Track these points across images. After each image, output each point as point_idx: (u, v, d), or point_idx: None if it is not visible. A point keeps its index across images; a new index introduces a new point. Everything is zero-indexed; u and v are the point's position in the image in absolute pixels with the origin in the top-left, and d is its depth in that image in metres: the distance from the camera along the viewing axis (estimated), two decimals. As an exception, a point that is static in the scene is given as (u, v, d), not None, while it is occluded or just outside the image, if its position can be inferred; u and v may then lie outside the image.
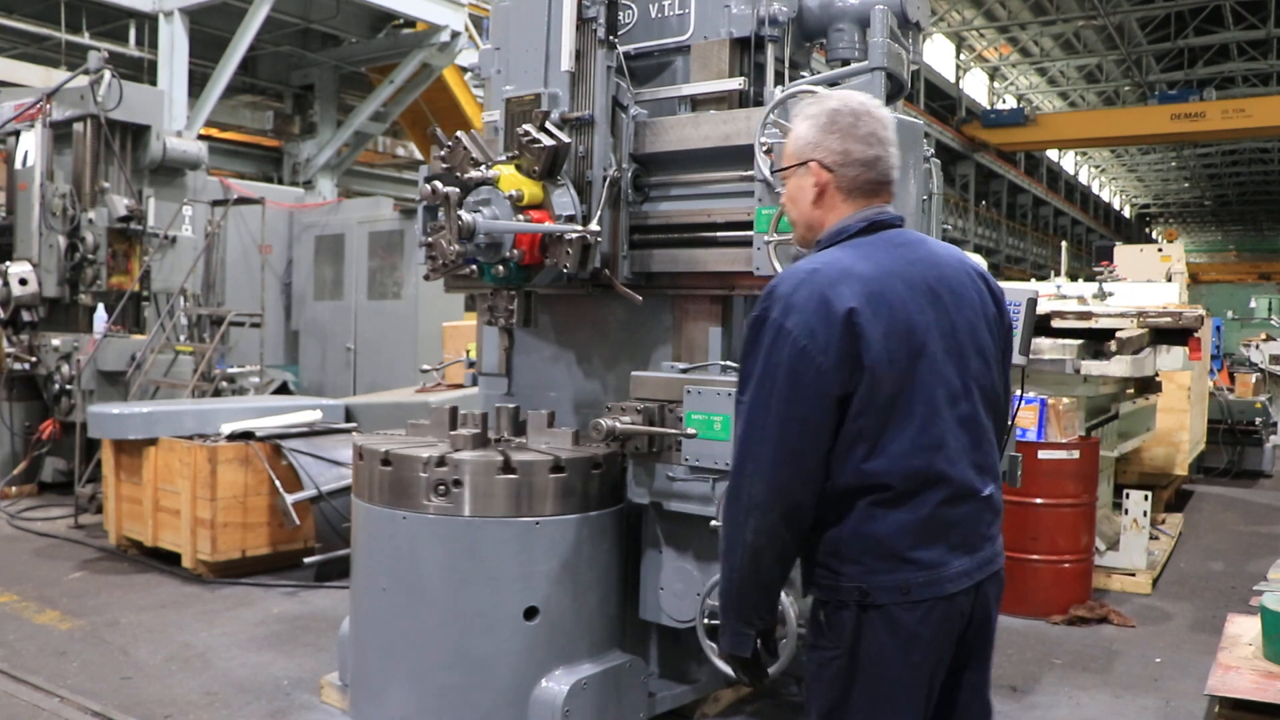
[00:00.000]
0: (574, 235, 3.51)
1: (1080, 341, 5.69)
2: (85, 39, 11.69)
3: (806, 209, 2.17)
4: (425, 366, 6.98)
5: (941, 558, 2.02)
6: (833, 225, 2.14)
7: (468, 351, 6.53)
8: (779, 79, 3.82)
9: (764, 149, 3.43)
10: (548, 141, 3.51)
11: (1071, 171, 45.27)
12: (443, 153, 3.65)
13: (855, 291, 1.97)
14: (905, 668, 2.02)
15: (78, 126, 8.26)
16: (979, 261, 2.37)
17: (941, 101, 31.52)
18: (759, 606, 2.09)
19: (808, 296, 1.97)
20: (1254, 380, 12.05)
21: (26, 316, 8.19)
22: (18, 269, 8.12)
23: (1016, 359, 3.03)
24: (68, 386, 7.84)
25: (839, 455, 2.00)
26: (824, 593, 2.07)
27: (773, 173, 2.23)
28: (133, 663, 4.57)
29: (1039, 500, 5.53)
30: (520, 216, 3.49)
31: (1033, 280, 17.38)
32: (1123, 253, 13.33)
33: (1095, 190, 48.90)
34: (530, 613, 3.43)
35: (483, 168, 3.53)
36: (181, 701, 4.15)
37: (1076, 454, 5.61)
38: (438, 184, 3.49)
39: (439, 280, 3.91)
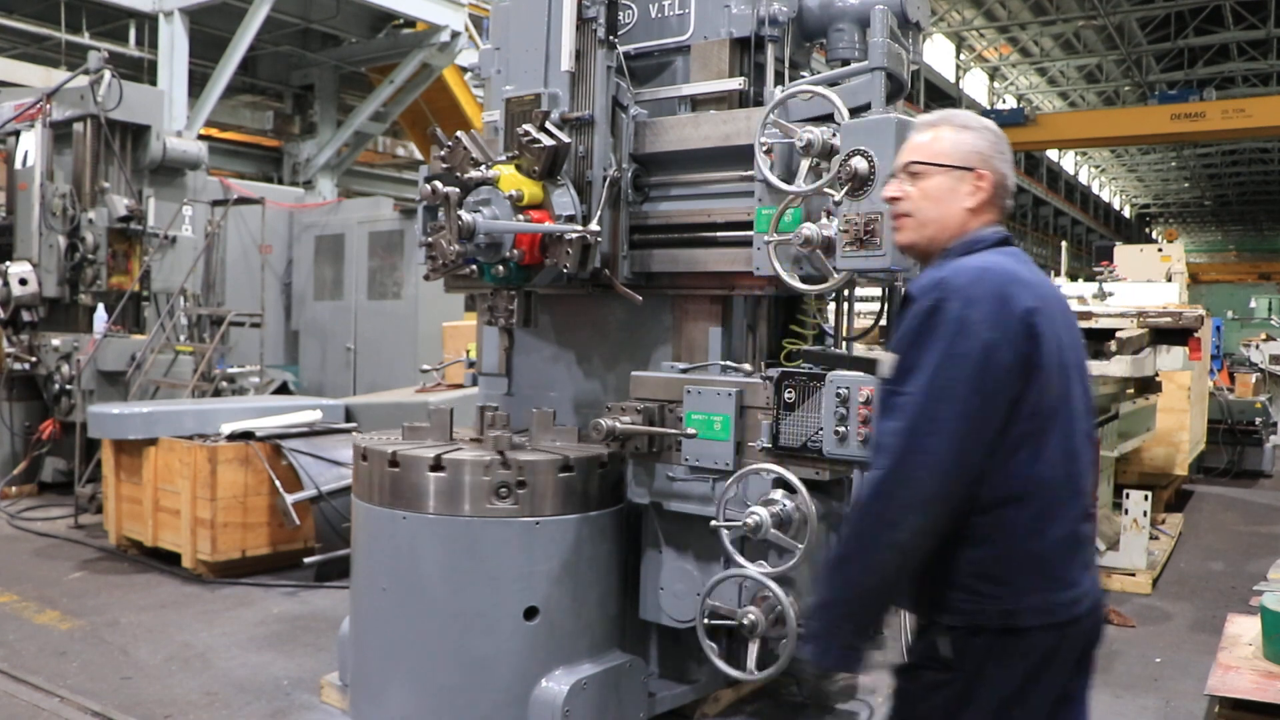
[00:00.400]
0: (574, 235, 3.51)
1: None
2: (85, 39, 11.69)
3: (955, 212, 2.14)
4: (425, 366, 6.98)
5: (1078, 576, 2.00)
6: (968, 235, 2.13)
7: (468, 351, 6.53)
8: (779, 79, 3.82)
9: (764, 149, 3.43)
10: (548, 141, 3.51)
11: (1071, 171, 45.25)
12: (443, 153, 3.65)
13: (1029, 293, 1.98)
14: (1032, 695, 1.97)
15: (78, 126, 8.26)
16: None
17: (941, 101, 31.49)
18: (879, 616, 2.00)
19: (988, 293, 1.95)
20: (1254, 380, 12.06)
21: (26, 316, 8.19)
22: (18, 269, 8.12)
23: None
24: (68, 386, 7.83)
25: (997, 462, 1.94)
26: (958, 618, 1.98)
27: (907, 166, 2.18)
28: (133, 663, 4.57)
29: (1039, 500, 5.52)
30: (520, 216, 3.49)
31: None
32: (1123, 253, 13.33)
33: (1095, 190, 48.88)
34: (530, 613, 3.43)
35: (483, 168, 3.53)
36: (181, 701, 4.15)
37: (1076, 454, 5.59)
38: (438, 184, 3.49)
39: (439, 280, 3.91)
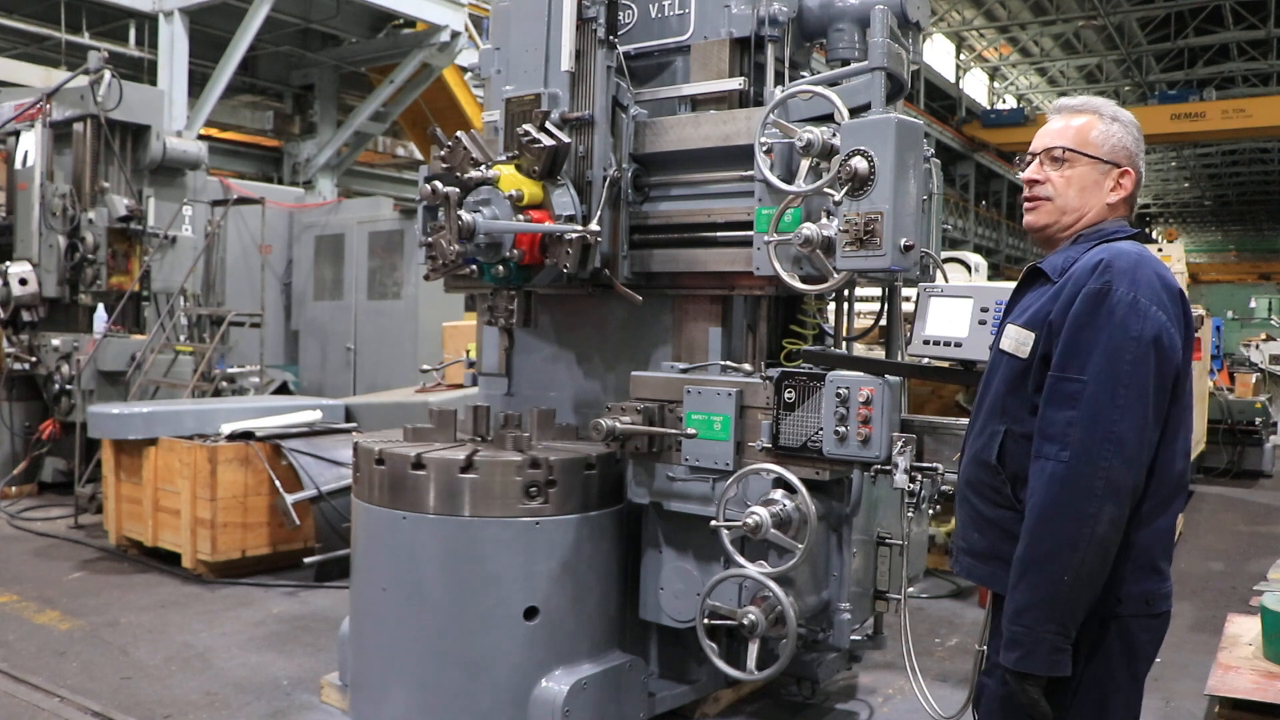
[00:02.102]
0: (574, 235, 3.50)
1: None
2: (85, 39, 11.69)
3: (1098, 204, 2.14)
4: (425, 366, 6.98)
5: (1168, 570, 2.01)
6: (1104, 224, 2.13)
7: (468, 351, 6.52)
8: (779, 79, 3.82)
9: (764, 149, 3.43)
10: (548, 141, 3.51)
11: (1071, 171, 45.20)
12: (443, 153, 3.65)
13: (1173, 279, 1.99)
14: (1129, 685, 1.97)
15: (78, 126, 8.26)
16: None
17: (941, 101, 31.51)
18: (1084, 613, 1.92)
19: (1150, 275, 1.94)
20: (1254, 380, 12.06)
21: (26, 316, 8.19)
22: (18, 269, 8.12)
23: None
24: (68, 386, 7.83)
25: None
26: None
27: (1055, 151, 2.15)
28: (132, 663, 4.57)
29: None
30: (520, 216, 3.49)
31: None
32: (1123, 253, 13.28)
33: (1095, 190, 48.84)
34: (530, 613, 3.43)
35: (483, 168, 3.53)
36: (181, 701, 4.15)
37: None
38: (438, 184, 3.49)
39: (439, 280, 3.91)
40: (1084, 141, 2.13)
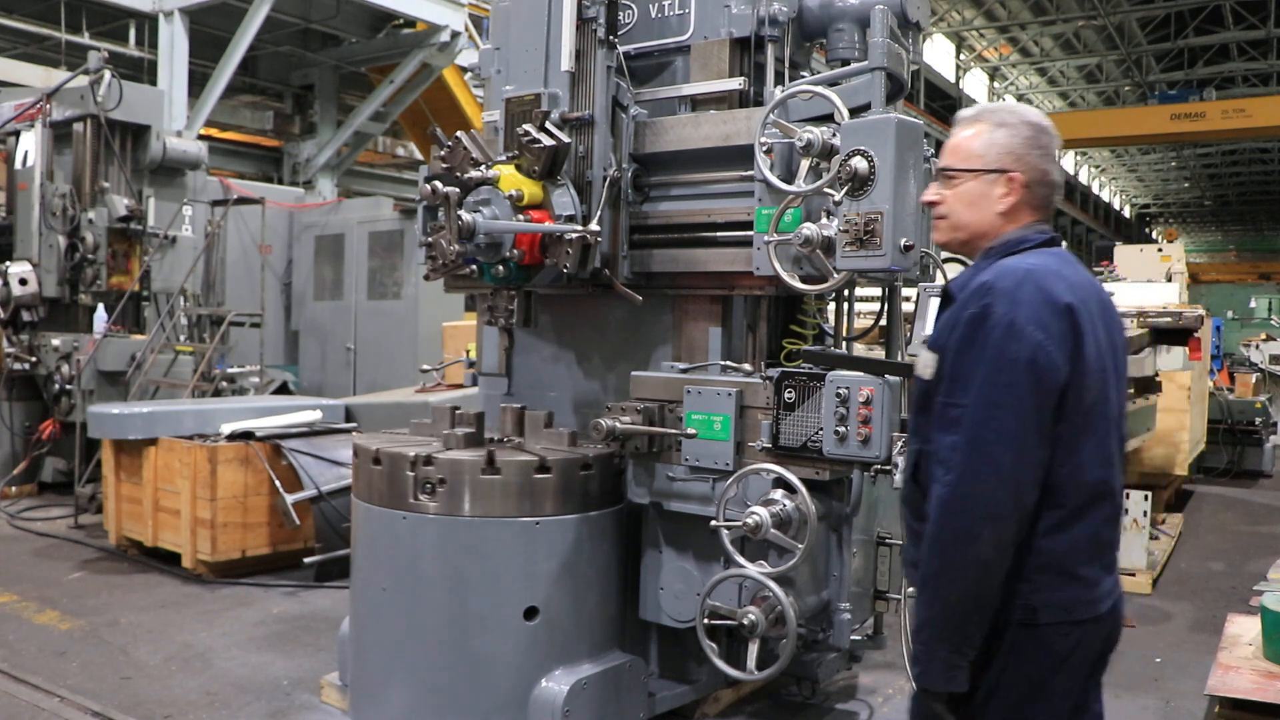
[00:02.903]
0: (574, 235, 3.50)
1: (1080, 341, 5.68)
2: (85, 39, 11.68)
3: (989, 216, 2.13)
4: (425, 366, 6.97)
5: (1098, 576, 2.01)
6: (1008, 235, 2.12)
7: (468, 351, 6.52)
8: (779, 79, 3.82)
9: (764, 149, 3.43)
10: (548, 141, 3.51)
11: (1071, 171, 45.24)
12: (443, 153, 3.65)
13: (1069, 291, 1.97)
14: (1051, 693, 1.98)
15: (78, 126, 8.26)
16: None
17: (941, 101, 31.49)
18: (977, 630, 1.96)
19: (1034, 292, 1.94)
20: (1254, 380, 12.07)
21: (26, 316, 8.19)
22: (18, 269, 8.12)
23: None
24: (68, 386, 7.83)
25: None
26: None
27: (943, 170, 2.15)
28: (132, 663, 4.57)
29: (1039, 500, 5.52)
30: (520, 216, 3.49)
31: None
32: (1123, 253, 13.31)
33: (1095, 190, 48.87)
34: (530, 613, 3.43)
35: (483, 168, 3.53)
36: (181, 701, 4.15)
37: (1076, 454, 5.59)
38: (438, 184, 3.49)
39: (439, 280, 3.91)
40: (967, 155, 2.13)
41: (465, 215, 3.38)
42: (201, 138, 10.72)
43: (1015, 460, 1.89)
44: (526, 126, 3.58)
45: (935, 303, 3.12)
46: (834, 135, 3.26)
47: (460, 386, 6.72)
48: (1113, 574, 2.08)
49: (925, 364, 2.08)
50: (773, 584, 3.15)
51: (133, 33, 12.01)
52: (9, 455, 8.18)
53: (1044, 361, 1.90)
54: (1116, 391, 2.07)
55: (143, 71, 11.63)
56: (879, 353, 4.61)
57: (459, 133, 3.65)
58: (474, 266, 3.55)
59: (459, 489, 3.44)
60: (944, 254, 3.75)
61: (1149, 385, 7.25)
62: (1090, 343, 1.96)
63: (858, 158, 3.07)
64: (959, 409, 1.94)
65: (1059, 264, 2.05)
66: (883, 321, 4.10)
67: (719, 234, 3.69)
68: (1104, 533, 2.02)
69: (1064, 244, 2.19)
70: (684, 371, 3.60)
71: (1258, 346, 14.02)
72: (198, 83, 11.11)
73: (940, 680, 1.97)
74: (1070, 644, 1.97)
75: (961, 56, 32.36)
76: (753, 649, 3.25)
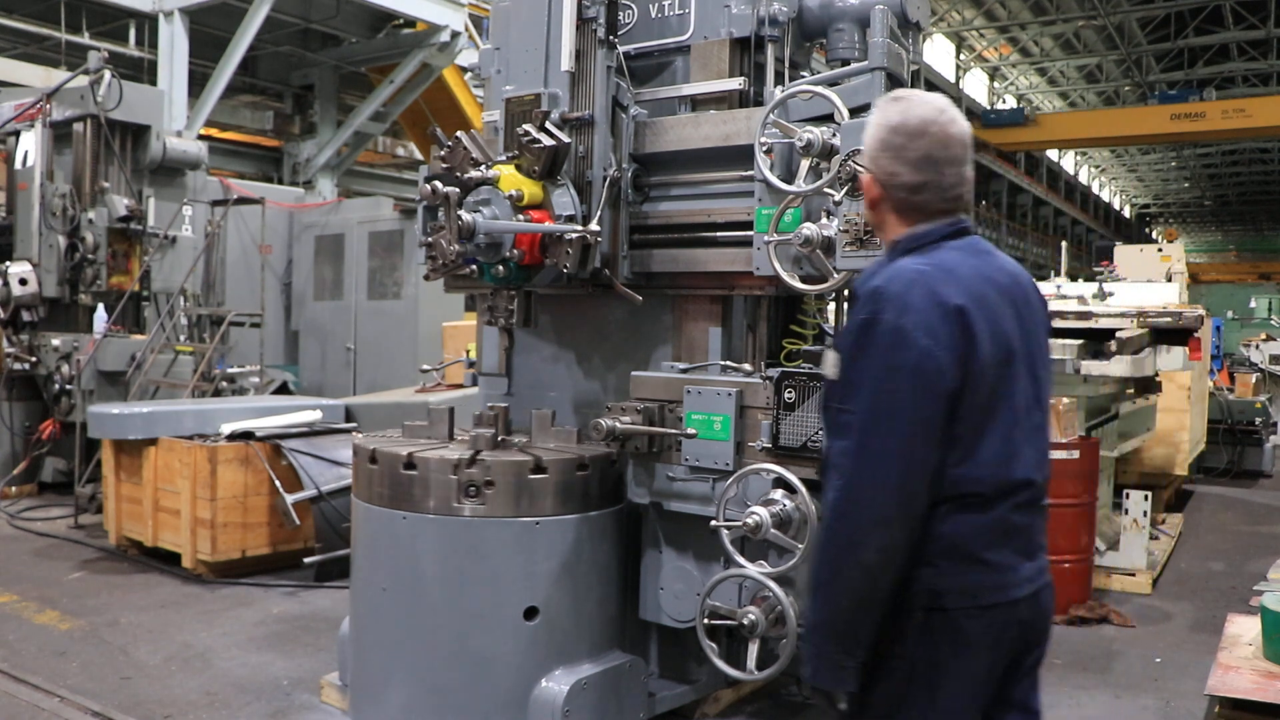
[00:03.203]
0: (574, 235, 3.50)
1: (1080, 341, 5.69)
2: (85, 39, 11.68)
3: (868, 212, 2.18)
4: (425, 366, 6.97)
5: (1009, 561, 2.01)
6: (913, 230, 2.09)
7: (468, 351, 6.52)
8: (779, 79, 3.82)
9: (764, 149, 3.43)
10: (548, 141, 3.51)
11: (1071, 171, 45.25)
12: (443, 153, 3.65)
13: (962, 291, 1.96)
14: (963, 677, 2.00)
15: (78, 126, 8.26)
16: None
17: (941, 101, 31.47)
18: (864, 634, 1.98)
19: (922, 295, 1.93)
20: (1254, 380, 12.06)
21: (26, 316, 8.18)
22: (18, 269, 8.11)
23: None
24: (68, 386, 7.83)
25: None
26: (897, 595, 2.02)
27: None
28: (132, 663, 4.57)
29: (1039, 500, 5.52)
30: (520, 216, 3.49)
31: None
32: (1123, 253, 13.31)
33: (1095, 190, 48.88)
34: (530, 613, 3.43)
35: (483, 168, 3.53)
36: (181, 701, 4.15)
37: (1076, 454, 5.60)
38: (438, 184, 3.49)
39: (439, 280, 3.91)
40: (864, 159, 2.15)
41: (465, 215, 3.38)
42: (201, 138, 10.73)
43: (902, 469, 1.90)
44: (526, 126, 3.58)
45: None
46: (834, 135, 3.26)
47: (460, 386, 6.71)
48: (1035, 560, 2.07)
49: (829, 364, 2.08)
50: (773, 584, 3.14)
51: (133, 33, 12.01)
52: (9, 455, 8.18)
53: (930, 369, 1.90)
54: (1031, 377, 2.06)
55: (143, 71, 11.63)
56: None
57: (459, 133, 3.65)
58: (474, 266, 3.55)
59: (459, 489, 3.44)
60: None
61: (1149, 385, 7.26)
62: (985, 340, 1.95)
63: (858, 157, 3.07)
64: (849, 415, 1.95)
65: (958, 259, 2.03)
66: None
67: (719, 234, 3.69)
68: (1014, 519, 2.01)
69: (976, 233, 2.14)
70: (684, 371, 3.60)
71: (1258, 346, 14.01)
72: (198, 83, 11.12)
73: (829, 679, 2.00)
74: (979, 628, 1.98)
75: (961, 56, 32.36)
76: (753, 649, 3.25)
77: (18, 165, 8.48)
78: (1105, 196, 50.68)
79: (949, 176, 2.05)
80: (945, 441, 1.94)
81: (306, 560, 5.67)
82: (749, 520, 3.13)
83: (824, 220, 3.30)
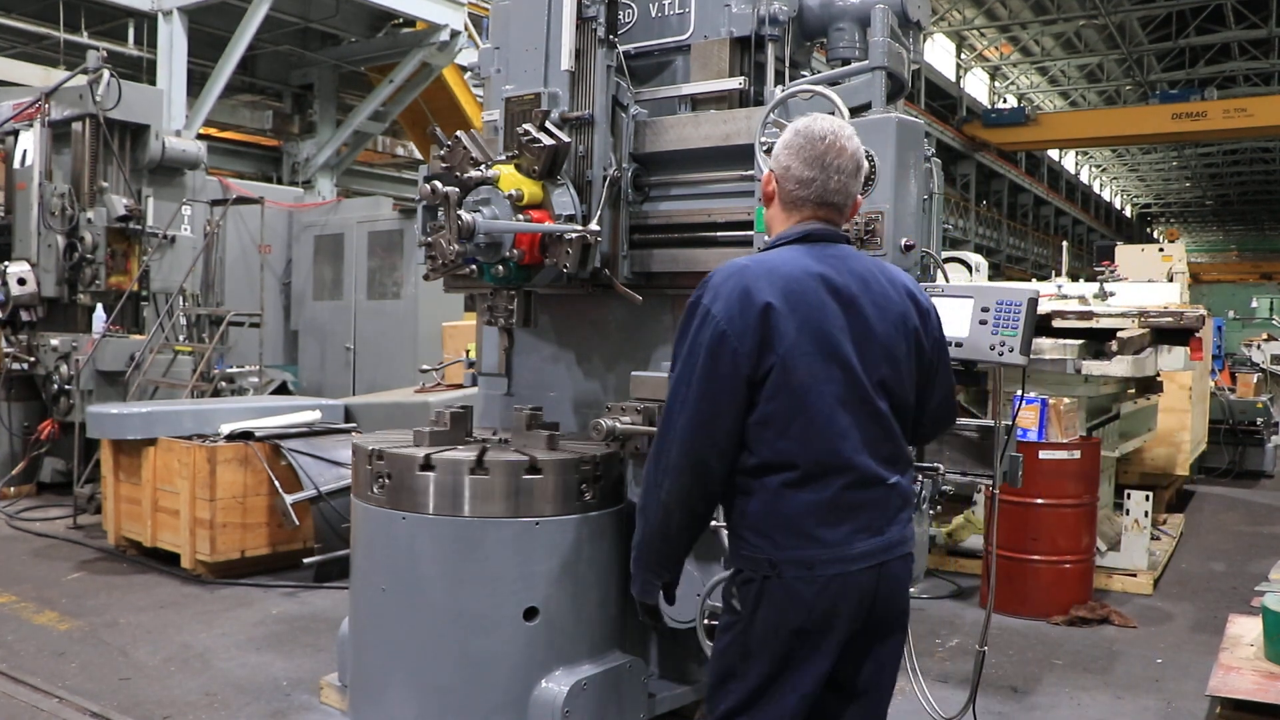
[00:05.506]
0: (574, 235, 3.49)
1: (1081, 341, 5.67)
2: (84, 38, 11.68)
3: (765, 211, 2.46)
4: (425, 366, 6.96)
5: (846, 538, 2.20)
6: (782, 232, 2.37)
7: (467, 351, 6.51)
8: (779, 78, 3.81)
9: (764, 149, 3.42)
10: (548, 141, 3.50)
11: (1072, 171, 45.27)
12: (442, 152, 3.64)
13: (776, 289, 2.20)
14: (799, 638, 2.20)
15: (76, 126, 8.24)
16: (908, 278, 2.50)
17: (942, 101, 31.50)
18: (665, 560, 2.34)
19: (734, 288, 2.21)
20: (1255, 380, 12.05)
21: (25, 316, 8.17)
22: (16, 269, 8.10)
23: (1017, 359, 3.02)
24: (66, 386, 7.82)
25: (753, 435, 2.21)
26: (739, 563, 2.27)
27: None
28: (132, 663, 4.56)
29: (1040, 500, 5.52)
30: (520, 216, 3.48)
31: (1034, 280, 17.37)
32: (1124, 252, 13.30)
33: (1096, 190, 48.90)
34: (530, 613, 3.42)
35: (482, 167, 3.52)
36: (180, 702, 4.14)
37: (1077, 454, 5.59)
38: (437, 184, 3.48)
39: (439, 280, 3.90)
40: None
41: (465, 215, 3.37)
42: (200, 137, 10.73)
43: (688, 427, 2.20)
44: (526, 126, 3.57)
45: (935, 303, 3.11)
46: (834, 135, 3.24)
47: (460, 386, 6.71)
48: (880, 536, 2.24)
49: None
50: (773, 585, 3.14)
51: (131, 32, 12.01)
52: (8, 455, 8.16)
53: (723, 348, 2.18)
54: (843, 371, 2.22)
55: (142, 71, 11.63)
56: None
57: (459, 132, 3.64)
58: (474, 266, 3.54)
59: (460, 489, 3.43)
60: (944, 253, 3.74)
61: (1150, 385, 7.24)
62: (791, 334, 2.17)
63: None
64: (670, 378, 2.28)
65: (791, 258, 2.27)
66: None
67: (719, 234, 3.68)
68: (846, 498, 2.21)
69: (847, 240, 2.38)
70: (684, 371, 3.58)
71: (1259, 346, 14.01)
72: (197, 82, 11.12)
73: (640, 592, 2.38)
74: (813, 593, 2.18)
75: (962, 56, 32.37)
76: (753, 650, 3.24)
77: (16, 165, 8.46)
78: (1106, 196, 50.69)
79: (834, 182, 2.32)
80: (759, 418, 2.19)
81: (306, 561, 5.66)
82: (749, 521, 3.12)
83: (824, 220, 3.28)
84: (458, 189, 3.45)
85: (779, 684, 2.22)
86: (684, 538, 2.31)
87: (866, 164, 2.39)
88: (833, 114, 3.30)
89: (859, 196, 2.41)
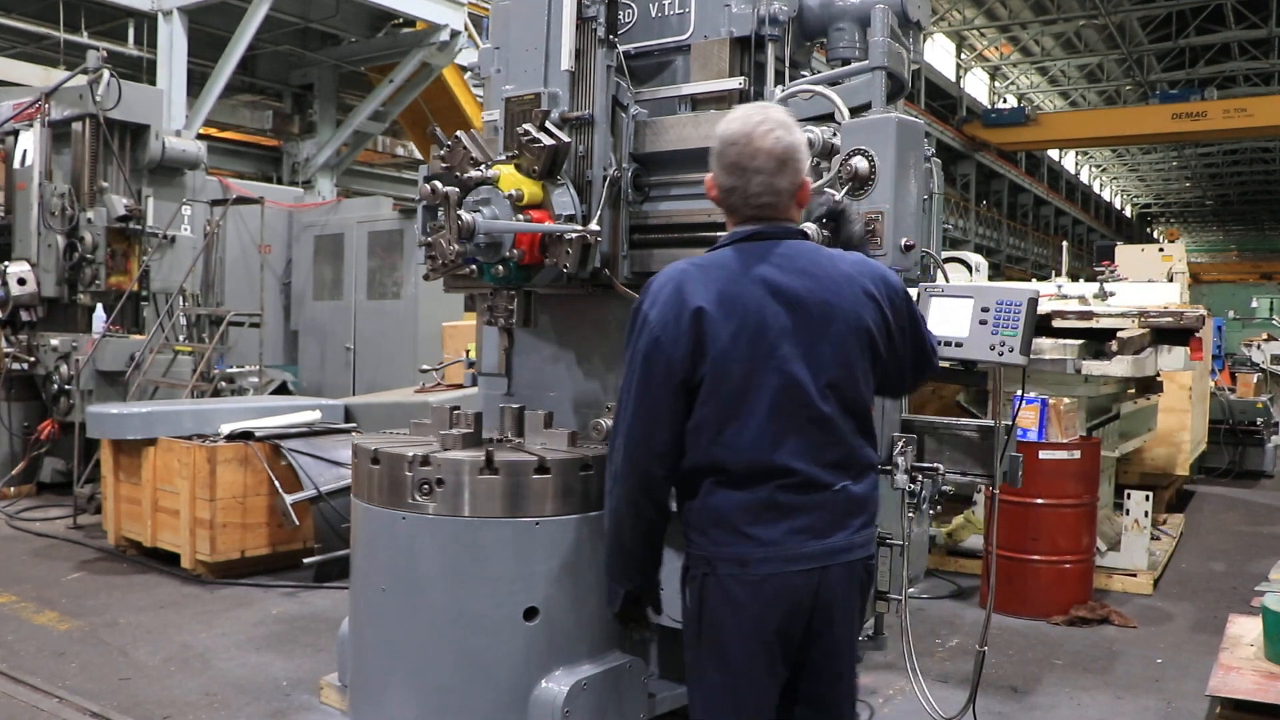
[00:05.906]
0: (574, 235, 3.49)
1: (1081, 341, 5.67)
2: (84, 38, 11.69)
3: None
4: (425, 366, 6.96)
5: (783, 537, 2.20)
6: (730, 232, 2.34)
7: (467, 351, 6.51)
8: (779, 78, 3.81)
9: (764, 148, 3.41)
10: (548, 141, 3.50)
11: (1072, 171, 45.27)
12: (442, 152, 3.64)
13: (710, 292, 2.18)
14: (738, 635, 2.22)
15: (76, 126, 8.25)
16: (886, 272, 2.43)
17: (942, 101, 31.51)
18: (625, 568, 2.38)
19: (670, 293, 2.21)
20: (1255, 380, 12.05)
21: (25, 316, 8.17)
22: (16, 269, 8.10)
23: (1017, 359, 3.02)
24: (66, 386, 7.83)
25: (689, 439, 2.23)
26: (687, 560, 2.32)
27: None
28: (132, 663, 4.56)
29: (1040, 500, 5.52)
30: (520, 216, 3.48)
31: (1034, 280, 17.36)
32: (1124, 252, 13.30)
33: (1096, 190, 48.90)
34: (530, 613, 3.42)
35: (482, 167, 3.52)
36: (180, 702, 4.14)
37: (1077, 454, 5.59)
38: (437, 184, 3.48)
39: (439, 280, 3.89)
40: None
41: (465, 215, 3.37)
42: (200, 137, 10.73)
43: (629, 435, 2.23)
44: (526, 126, 3.57)
45: (935, 302, 3.12)
46: (834, 135, 3.25)
47: (460, 386, 6.71)
48: (823, 540, 2.22)
49: None
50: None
51: (131, 32, 12.01)
52: (8, 455, 8.16)
53: (656, 355, 2.18)
54: (818, 375, 2.20)
55: (142, 71, 11.63)
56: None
57: (459, 132, 3.64)
58: (474, 266, 3.54)
59: (460, 489, 3.43)
60: (944, 253, 3.74)
61: (1150, 385, 7.24)
62: (725, 338, 2.15)
63: (858, 157, 3.06)
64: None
65: (727, 260, 2.25)
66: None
67: (719, 233, 3.66)
68: (781, 499, 2.19)
69: (802, 236, 2.37)
70: (684, 371, 3.58)
71: (1259, 346, 14.01)
72: (197, 82, 11.12)
73: (608, 601, 2.46)
74: (748, 593, 2.20)
75: (962, 56, 32.37)
76: (753, 650, 3.24)
77: (16, 165, 8.47)
78: (1106, 196, 50.70)
79: (754, 185, 2.25)
80: (694, 423, 2.21)
81: (306, 561, 5.66)
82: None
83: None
84: (458, 189, 3.45)
85: (729, 686, 2.25)
86: (640, 545, 2.35)
87: (802, 150, 2.27)
88: (832, 115, 3.32)
89: (805, 180, 2.32)
